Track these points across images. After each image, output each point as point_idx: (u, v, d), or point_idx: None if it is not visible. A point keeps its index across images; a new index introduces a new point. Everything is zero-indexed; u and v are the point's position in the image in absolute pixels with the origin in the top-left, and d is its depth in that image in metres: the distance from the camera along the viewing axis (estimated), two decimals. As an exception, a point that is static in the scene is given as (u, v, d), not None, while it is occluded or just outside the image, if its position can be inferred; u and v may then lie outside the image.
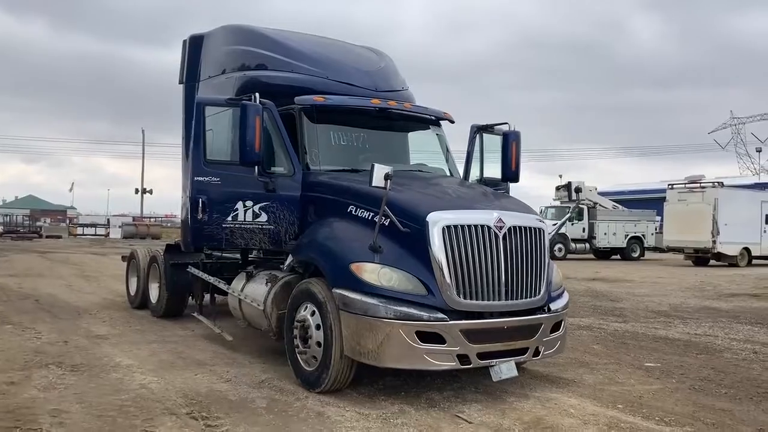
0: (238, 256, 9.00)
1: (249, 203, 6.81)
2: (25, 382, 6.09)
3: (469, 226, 5.68)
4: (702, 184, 29.27)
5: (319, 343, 5.93)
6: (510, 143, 7.70)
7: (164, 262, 9.88)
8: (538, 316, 5.99)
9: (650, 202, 49.39)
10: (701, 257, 28.42)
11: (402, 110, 7.54)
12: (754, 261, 28.64)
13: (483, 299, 5.67)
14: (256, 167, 6.57)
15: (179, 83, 9.25)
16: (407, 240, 5.71)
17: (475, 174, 8.06)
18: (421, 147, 7.92)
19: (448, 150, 7.95)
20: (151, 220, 77.48)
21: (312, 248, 6.33)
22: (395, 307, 5.46)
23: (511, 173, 7.75)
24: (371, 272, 5.63)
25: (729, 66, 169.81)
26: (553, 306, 6.18)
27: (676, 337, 9.68)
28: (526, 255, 5.91)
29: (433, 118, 7.85)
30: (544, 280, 6.07)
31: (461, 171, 7.96)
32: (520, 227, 5.92)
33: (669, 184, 30.87)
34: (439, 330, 5.45)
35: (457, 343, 5.48)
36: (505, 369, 5.75)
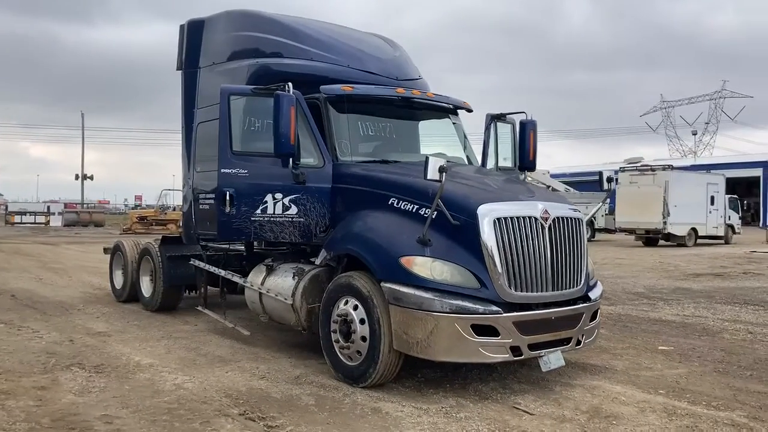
0: (241, 247, 8.83)
1: (278, 195, 6.64)
2: (56, 387, 5.81)
3: (518, 218, 5.68)
4: (653, 167, 30.13)
5: (363, 338, 5.85)
6: (528, 132, 7.74)
7: (160, 255, 9.57)
8: (581, 305, 6.07)
9: (592, 183, 50.72)
10: (652, 238, 29.37)
11: (426, 99, 7.48)
12: (699, 240, 29.80)
13: (533, 290, 5.70)
14: (291, 159, 6.40)
15: (177, 69, 8.92)
16: (456, 232, 5.67)
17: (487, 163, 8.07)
18: (439, 136, 7.87)
19: (465, 138, 7.93)
20: (85, 206, 74.95)
21: (352, 241, 6.22)
22: (450, 301, 5.43)
23: (528, 162, 7.79)
24: (422, 266, 5.58)
25: (659, 49, 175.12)
26: (592, 295, 6.27)
27: (670, 318, 9.97)
28: (569, 245, 5.97)
29: (452, 107, 7.81)
30: (584, 270, 6.14)
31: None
32: (563, 218, 5.97)
33: (620, 167, 31.71)
34: (493, 323, 5.46)
35: (510, 335, 5.50)
36: (553, 359, 5.81)
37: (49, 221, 47.96)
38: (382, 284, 5.69)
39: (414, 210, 5.93)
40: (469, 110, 7.92)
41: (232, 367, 6.68)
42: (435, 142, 7.87)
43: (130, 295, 10.57)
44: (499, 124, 8.03)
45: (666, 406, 5.42)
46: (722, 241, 30.94)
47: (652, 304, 11.55)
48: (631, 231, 30.21)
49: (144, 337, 8.05)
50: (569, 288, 5.95)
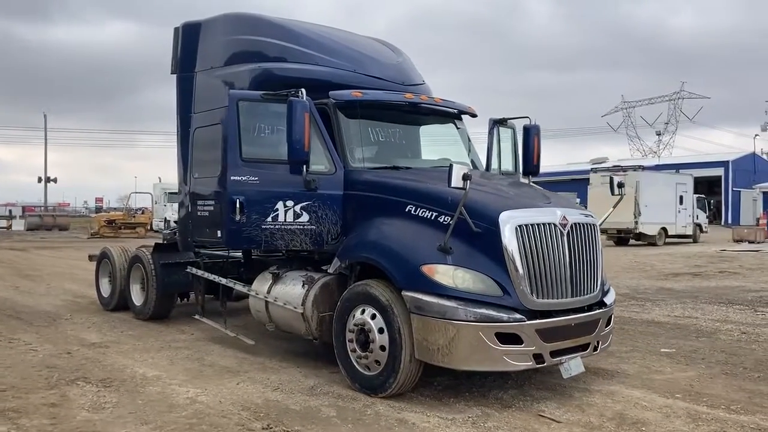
0: (237, 254, 8.67)
1: (290, 203, 6.52)
2: (67, 403, 5.62)
3: (539, 225, 5.67)
4: (624, 168, 30.58)
5: (383, 347, 5.77)
6: (532, 137, 7.73)
7: (153, 263, 9.36)
8: (598, 311, 6.08)
9: (563, 183, 51.43)
10: (623, 237, 29.81)
11: (433, 104, 7.44)
12: (668, 239, 30.36)
13: (553, 297, 5.69)
14: (305, 166, 6.29)
15: (171, 73, 8.71)
16: (476, 240, 5.63)
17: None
18: (445, 140, 7.83)
19: (470, 142, 7.90)
20: (50, 209, 73.31)
21: (370, 249, 6.13)
22: (475, 309, 5.38)
23: (532, 166, 7.78)
24: (444, 274, 5.53)
25: (620, 50, 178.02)
26: (607, 300, 6.29)
27: (662, 320, 10.08)
28: (586, 251, 5.98)
29: (456, 111, 7.77)
30: (600, 275, 6.16)
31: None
32: (580, 224, 5.97)
33: (592, 168, 32.13)
34: (517, 331, 5.43)
35: (533, 343, 5.48)
36: (574, 366, 5.81)
37: (11, 225, 46.74)
38: (404, 293, 5.62)
39: (432, 217, 5.87)
40: (474, 115, 7.90)
41: (241, 378, 6.54)
42: (440, 147, 7.82)
43: (118, 303, 10.32)
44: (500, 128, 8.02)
45: (689, 411, 5.46)
46: (691, 240, 31.57)
47: (640, 305, 11.68)
48: (602, 231, 30.50)
49: (143, 348, 7.85)
50: (587, 294, 5.96)
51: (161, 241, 11.70)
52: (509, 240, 5.52)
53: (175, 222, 39.58)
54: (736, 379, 6.60)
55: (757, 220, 34.86)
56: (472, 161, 7.75)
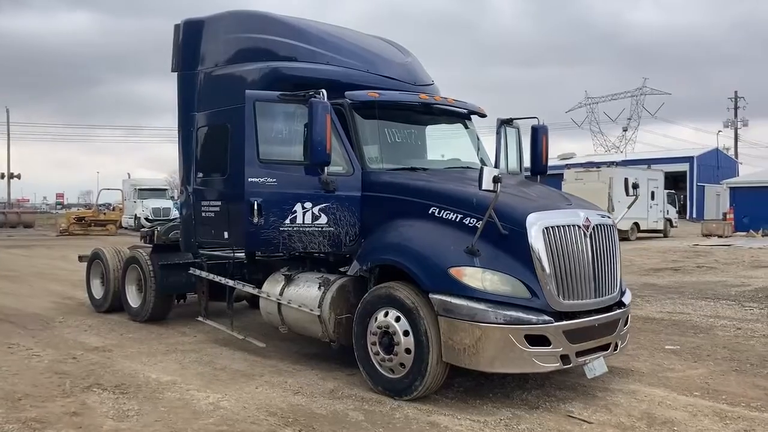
0: (240, 255, 8.55)
1: (308, 204, 6.45)
2: (89, 412, 5.48)
3: (564, 227, 5.71)
4: (597, 164, 30.99)
5: (408, 350, 5.76)
6: (540, 137, 7.77)
7: (152, 264, 9.19)
8: (618, 311, 6.15)
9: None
10: (596, 232, 30.17)
11: (446, 105, 7.43)
12: (640, 234, 30.87)
13: (578, 298, 5.74)
14: (326, 168, 6.24)
15: (172, 71, 8.55)
16: (503, 242, 5.64)
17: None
18: (455, 140, 7.83)
19: (479, 141, 7.91)
20: (5, 206, 71.43)
21: (393, 251, 6.10)
22: (504, 312, 5.40)
23: (541, 167, 7.82)
24: (473, 276, 5.53)
25: (583, 46, 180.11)
26: (625, 300, 6.36)
27: (657, 316, 10.24)
28: (606, 252, 6.04)
29: (466, 111, 7.78)
30: (619, 276, 6.23)
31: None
32: (600, 225, 6.03)
33: (566, 165, 32.48)
34: (545, 332, 5.46)
35: (561, 344, 5.52)
36: (597, 366, 5.87)
37: (-27, 223, 45.44)
38: (431, 296, 5.61)
39: (457, 219, 5.87)
40: (483, 115, 7.91)
41: (258, 381, 6.47)
42: (450, 147, 7.82)
43: (112, 305, 10.13)
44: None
45: (714, 410, 5.56)
46: (661, 235, 32.14)
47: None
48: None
49: (148, 352, 7.71)
50: (608, 294, 6.03)
51: (140, 240, 11.60)
52: (537, 242, 5.55)
53: (146, 219, 39.08)
54: (746, 375, 6.73)
55: (724, 215, 35.64)
56: (482, 160, 7.76)
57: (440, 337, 5.57)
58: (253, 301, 10.07)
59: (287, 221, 6.44)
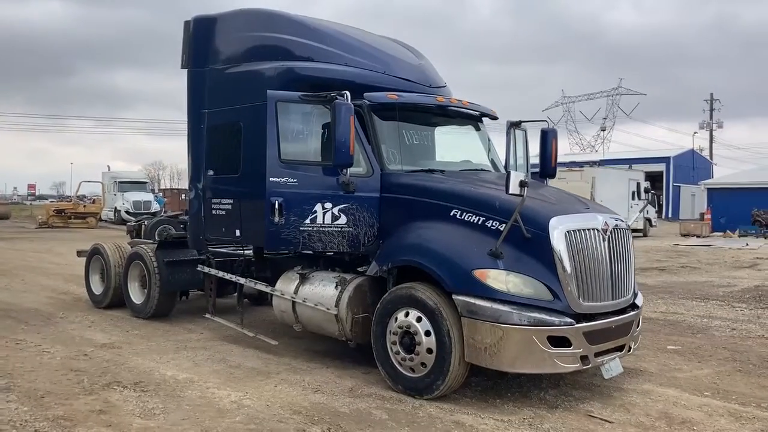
0: (245, 251, 8.57)
1: (328, 205, 6.51)
2: (114, 410, 5.49)
3: (585, 230, 5.84)
4: (580, 164, 31.35)
5: (429, 350, 5.84)
6: (550, 140, 7.88)
7: (156, 260, 9.16)
8: (632, 313, 6.29)
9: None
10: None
11: (463, 107, 7.52)
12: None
13: (598, 300, 5.87)
14: (347, 169, 6.29)
15: (182, 68, 8.52)
16: (526, 245, 5.75)
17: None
18: (467, 142, 7.91)
19: (490, 142, 8.02)
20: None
21: (415, 253, 6.17)
22: (528, 314, 5.51)
23: (550, 169, 7.94)
24: (496, 278, 5.63)
25: (561, 45, 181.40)
26: (638, 302, 6.51)
27: (651, 316, 10.41)
28: (623, 254, 6.18)
29: (477, 114, 7.87)
30: (633, 278, 6.38)
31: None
32: (617, 228, 6.17)
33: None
34: (567, 334, 5.58)
35: (581, 345, 5.65)
36: (614, 366, 6.02)
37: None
38: (455, 297, 5.70)
39: (480, 222, 5.96)
40: (495, 117, 8.01)
41: (275, 380, 6.52)
42: (463, 149, 7.90)
43: (112, 301, 10.09)
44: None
45: (728, 410, 5.73)
46: (641, 234, 32.58)
47: (623, 300, 12.03)
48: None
49: (157, 349, 7.71)
50: (623, 296, 6.18)
51: (126, 234, 11.54)
52: (559, 245, 5.66)
53: (126, 212, 38.71)
54: (751, 376, 6.93)
55: (701, 215, 36.29)
56: (492, 162, 7.87)
57: (463, 338, 5.67)
58: (257, 298, 10.13)
59: (307, 221, 6.48)
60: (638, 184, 8.00)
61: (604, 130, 79.17)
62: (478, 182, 6.65)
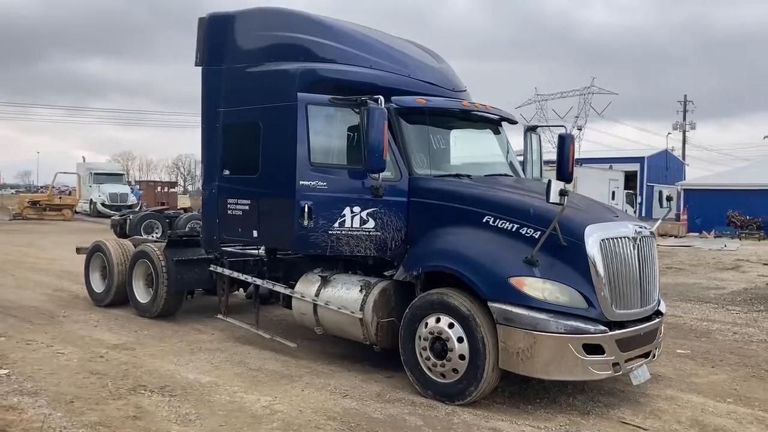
0: (260, 252, 8.46)
1: (356, 209, 6.48)
2: (149, 416, 5.41)
3: (618, 239, 5.89)
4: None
5: (462, 356, 5.86)
6: (567, 145, 7.90)
7: (166, 259, 9.03)
8: (657, 320, 6.38)
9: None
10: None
11: (486, 112, 7.53)
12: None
13: (629, 308, 5.94)
14: (380, 174, 6.27)
15: (196, 65, 8.39)
16: (560, 253, 5.78)
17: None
18: (488, 146, 7.93)
19: (509, 144, 8.05)
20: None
21: (446, 259, 6.17)
22: (565, 322, 5.55)
23: (567, 174, 7.97)
24: (532, 286, 5.66)
25: (534, 42, 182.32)
26: (663, 309, 6.60)
27: (652, 319, 10.58)
28: (650, 262, 6.26)
29: (498, 118, 7.89)
30: (658, 285, 6.46)
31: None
32: (644, 236, 6.24)
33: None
34: (601, 341, 5.64)
35: (613, 352, 5.71)
36: (641, 373, 6.10)
37: None
38: (490, 304, 5.72)
39: (513, 229, 5.98)
40: (514, 122, 8.05)
41: (300, 384, 6.48)
42: (484, 153, 7.92)
43: (114, 300, 9.93)
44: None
45: (755, 417, 5.84)
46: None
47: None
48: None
49: (172, 351, 7.61)
50: (650, 304, 6.26)
51: (111, 228, 11.33)
52: (594, 253, 5.71)
53: (102, 204, 38.09)
54: (765, 382, 7.06)
55: (677, 215, 36.89)
56: (511, 164, 7.90)
57: (497, 345, 5.69)
58: (265, 298, 10.02)
59: (336, 224, 6.45)
60: (660, 192, 8.09)
61: (581, 129, 79.87)
62: (509, 188, 6.68)
